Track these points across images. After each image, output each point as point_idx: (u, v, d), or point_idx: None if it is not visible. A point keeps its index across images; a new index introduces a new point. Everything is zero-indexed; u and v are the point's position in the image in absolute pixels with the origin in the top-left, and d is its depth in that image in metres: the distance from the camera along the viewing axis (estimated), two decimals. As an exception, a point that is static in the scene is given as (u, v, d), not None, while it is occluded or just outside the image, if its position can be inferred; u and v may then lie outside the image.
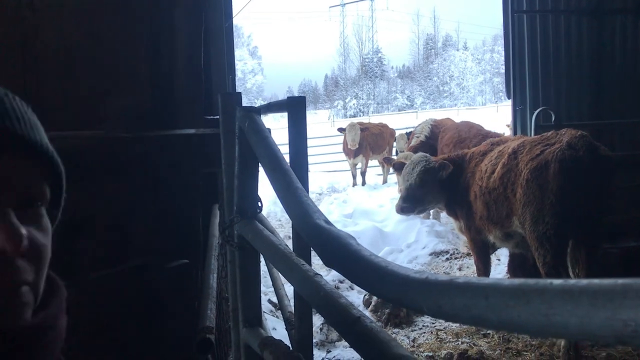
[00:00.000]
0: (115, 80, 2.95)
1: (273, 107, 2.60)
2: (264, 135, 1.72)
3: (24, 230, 0.68)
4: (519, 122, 6.68)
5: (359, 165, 13.70)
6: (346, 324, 1.17)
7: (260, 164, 1.65)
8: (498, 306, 0.72)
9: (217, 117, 3.72)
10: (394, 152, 13.81)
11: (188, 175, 3.05)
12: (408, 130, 13.52)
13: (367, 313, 6.04)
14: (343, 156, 13.96)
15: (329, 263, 1.08)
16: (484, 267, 5.86)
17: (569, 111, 6.76)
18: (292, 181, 1.45)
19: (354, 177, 13.71)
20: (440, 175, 5.87)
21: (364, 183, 13.66)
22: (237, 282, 2.05)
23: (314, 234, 1.18)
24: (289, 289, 4.78)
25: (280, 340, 1.90)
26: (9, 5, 3.54)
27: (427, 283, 0.84)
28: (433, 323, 5.97)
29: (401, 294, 0.86)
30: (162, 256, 2.80)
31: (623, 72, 6.81)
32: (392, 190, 12.41)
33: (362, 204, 10.94)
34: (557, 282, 0.64)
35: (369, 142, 13.51)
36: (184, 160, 2.68)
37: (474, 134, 6.94)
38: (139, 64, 2.91)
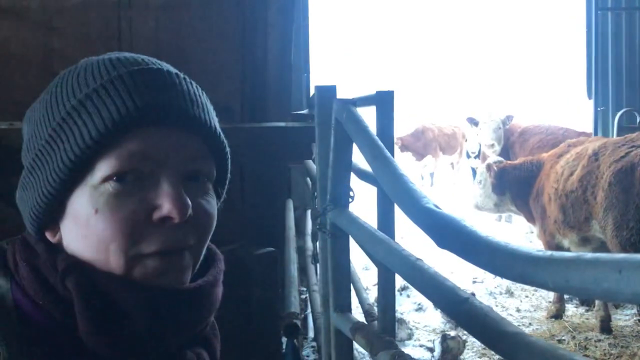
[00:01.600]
0: (207, 74, 3.09)
1: (360, 101, 2.66)
2: (363, 125, 1.77)
3: (189, 200, 0.75)
4: (600, 123, 6.46)
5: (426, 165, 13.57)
6: (455, 304, 1.21)
7: (361, 154, 1.71)
8: (633, 279, 0.74)
9: (300, 112, 3.83)
10: (464, 154, 13.60)
11: (273, 168, 3.16)
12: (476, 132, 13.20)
13: (438, 315, 6.02)
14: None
15: (444, 245, 1.12)
16: None
17: (656, 112, 6.49)
18: (395, 168, 1.50)
19: (422, 177, 13.60)
20: (493, 177, 5.83)
21: (432, 184, 13.53)
22: (329, 268, 2.12)
23: (426, 217, 1.22)
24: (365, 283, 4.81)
25: (372, 325, 1.96)
26: (107, 3, 3.76)
27: (552, 259, 0.87)
28: (505, 326, 5.86)
29: (525, 270, 0.90)
30: (248, 244, 2.92)
31: None
32: (461, 192, 12.24)
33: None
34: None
35: (439, 142, 13.37)
36: (272, 153, 2.79)
37: (568, 136, 6.63)
38: (230, 59, 3.03)
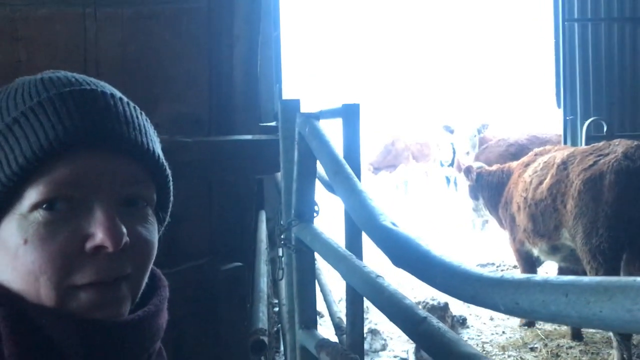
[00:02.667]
0: (173, 87, 3.05)
1: (327, 113, 2.65)
2: (325, 140, 1.76)
3: (124, 228, 0.71)
4: (569, 132, 6.56)
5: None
6: (413, 323, 1.19)
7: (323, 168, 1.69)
8: (578, 302, 0.73)
9: (269, 124, 3.80)
10: (438, 162, 13.70)
11: (242, 181, 3.12)
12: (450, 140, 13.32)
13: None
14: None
15: (399, 264, 1.11)
16: None
17: (622, 122, 6.61)
18: (355, 184, 1.48)
19: (397, 187, 13.66)
20: (471, 181, 5.95)
21: (407, 192, 13.60)
22: (294, 284, 2.09)
23: (382, 235, 1.21)
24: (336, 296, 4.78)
25: (337, 343, 1.93)
26: (73, 14, 3.70)
27: (502, 281, 0.86)
28: (479, 336, 5.89)
29: (477, 292, 0.89)
30: (214, 259, 2.87)
31: (679, 81, 6.63)
32: (435, 200, 12.33)
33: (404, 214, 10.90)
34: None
35: (412, 151, 13.45)
36: (238, 165, 2.75)
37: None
38: (198, 71, 3.00)
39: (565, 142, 6.60)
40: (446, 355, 1.07)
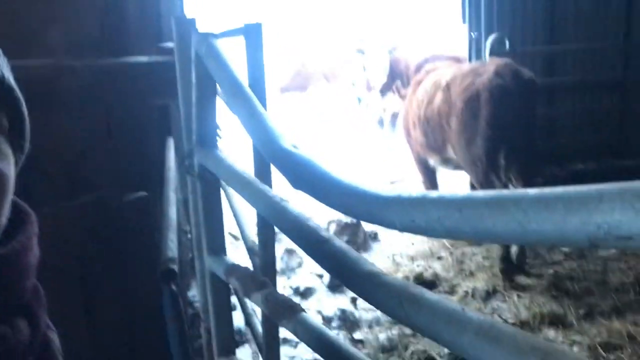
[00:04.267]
0: (64, 8, 2.78)
1: (225, 33, 2.51)
2: (223, 60, 1.66)
3: None
4: (473, 48, 6.68)
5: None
6: (316, 244, 1.18)
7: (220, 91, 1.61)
8: (472, 217, 0.73)
9: (167, 44, 3.59)
10: (350, 83, 13.70)
11: (140, 106, 2.96)
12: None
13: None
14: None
15: (297, 186, 1.07)
16: (431, 187, 6.22)
17: (524, 36, 6.79)
18: (255, 106, 1.42)
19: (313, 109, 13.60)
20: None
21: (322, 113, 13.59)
22: (200, 211, 2.04)
23: (282, 157, 1.16)
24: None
25: (247, 267, 1.91)
26: None
27: (399, 199, 0.84)
28: (389, 248, 6.14)
29: (373, 210, 0.87)
30: (119, 190, 2.75)
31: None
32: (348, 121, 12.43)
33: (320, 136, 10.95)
34: (532, 191, 0.65)
35: (324, 73, 13.36)
36: (134, 90, 2.59)
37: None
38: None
39: (470, 59, 6.73)
40: (348, 275, 1.07)
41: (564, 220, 0.60)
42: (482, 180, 5.11)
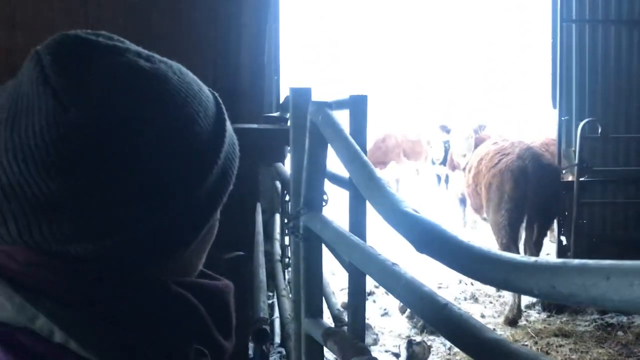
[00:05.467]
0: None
1: (335, 104, 2.64)
2: (339, 128, 1.75)
3: None
4: (564, 132, 6.59)
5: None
6: (433, 310, 1.19)
7: (338, 158, 1.69)
8: (621, 285, 0.74)
9: (272, 114, 3.79)
10: (429, 161, 13.71)
11: (245, 170, 3.11)
12: (445, 139, 13.34)
13: (404, 320, 6.04)
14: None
15: (424, 250, 1.10)
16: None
17: (616, 123, 6.65)
18: (372, 171, 1.48)
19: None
20: None
21: (397, 190, 13.60)
22: (301, 273, 2.09)
23: (405, 222, 1.20)
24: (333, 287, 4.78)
25: (344, 330, 1.93)
26: (75, 1, 3.66)
27: (537, 265, 0.86)
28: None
29: (510, 276, 0.89)
30: (218, 248, 2.85)
31: (673, 85, 6.69)
32: (426, 198, 12.34)
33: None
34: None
35: (403, 148, 13.45)
36: (244, 154, 2.74)
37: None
38: (202, 61, 2.98)
39: (559, 142, 6.64)
40: (470, 342, 1.07)
41: None
42: (505, 244, 6.05)
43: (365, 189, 1.46)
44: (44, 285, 0.61)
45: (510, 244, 6.04)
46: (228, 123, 0.76)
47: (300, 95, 2.18)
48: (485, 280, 0.96)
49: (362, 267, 1.56)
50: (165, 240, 0.67)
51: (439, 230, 1.09)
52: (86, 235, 0.61)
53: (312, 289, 2.06)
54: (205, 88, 0.75)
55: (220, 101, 0.77)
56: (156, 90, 0.66)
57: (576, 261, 0.82)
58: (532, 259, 0.89)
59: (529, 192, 5.95)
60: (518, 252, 5.96)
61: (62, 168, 0.59)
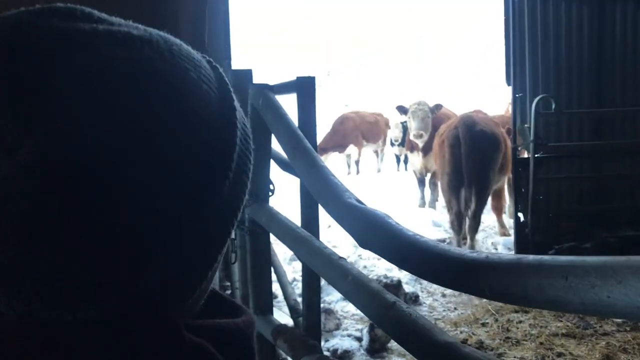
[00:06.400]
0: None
1: (280, 87, 2.51)
2: (281, 112, 1.63)
3: None
4: (518, 109, 6.61)
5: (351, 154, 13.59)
6: (380, 308, 1.09)
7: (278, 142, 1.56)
8: (581, 287, 0.64)
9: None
10: (388, 142, 13.72)
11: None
12: (403, 120, 13.37)
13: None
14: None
15: (366, 245, 1.00)
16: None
17: (570, 99, 6.71)
18: (315, 159, 1.37)
19: (349, 166, 13.62)
20: None
21: (358, 172, 13.59)
22: (248, 268, 1.97)
23: (347, 214, 1.09)
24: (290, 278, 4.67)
25: (295, 328, 1.83)
26: None
27: (488, 263, 0.76)
28: (431, 312, 5.92)
29: (459, 276, 0.79)
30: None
31: (623, 59, 6.76)
32: (386, 179, 12.36)
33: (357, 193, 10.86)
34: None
35: (361, 131, 13.41)
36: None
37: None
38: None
39: (514, 119, 6.66)
40: (419, 345, 0.97)
41: None
42: (447, 209, 6.90)
43: (308, 178, 1.34)
44: None
45: (451, 204, 6.74)
46: (239, 113, 0.56)
47: (241, 78, 2.03)
48: (432, 279, 0.86)
49: (308, 262, 1.45)
50: (176, 288, 0.52)
51: (384, 223, 0.98)
52: (64, 303, 0.47)
53: (260, 284, 1.95)
54: (204, 66, 0.55)
55: (225, 79, 0.58)
56: (143, 103, 0.47)
57: (531, 257, 0.72)
58: (484, 254, 0.79)
59: (463, 158, 6.53)
60: (459, 209, 6.63)
61: (12, 233, 0.44)
